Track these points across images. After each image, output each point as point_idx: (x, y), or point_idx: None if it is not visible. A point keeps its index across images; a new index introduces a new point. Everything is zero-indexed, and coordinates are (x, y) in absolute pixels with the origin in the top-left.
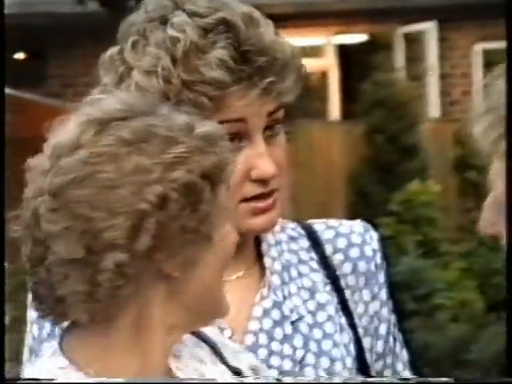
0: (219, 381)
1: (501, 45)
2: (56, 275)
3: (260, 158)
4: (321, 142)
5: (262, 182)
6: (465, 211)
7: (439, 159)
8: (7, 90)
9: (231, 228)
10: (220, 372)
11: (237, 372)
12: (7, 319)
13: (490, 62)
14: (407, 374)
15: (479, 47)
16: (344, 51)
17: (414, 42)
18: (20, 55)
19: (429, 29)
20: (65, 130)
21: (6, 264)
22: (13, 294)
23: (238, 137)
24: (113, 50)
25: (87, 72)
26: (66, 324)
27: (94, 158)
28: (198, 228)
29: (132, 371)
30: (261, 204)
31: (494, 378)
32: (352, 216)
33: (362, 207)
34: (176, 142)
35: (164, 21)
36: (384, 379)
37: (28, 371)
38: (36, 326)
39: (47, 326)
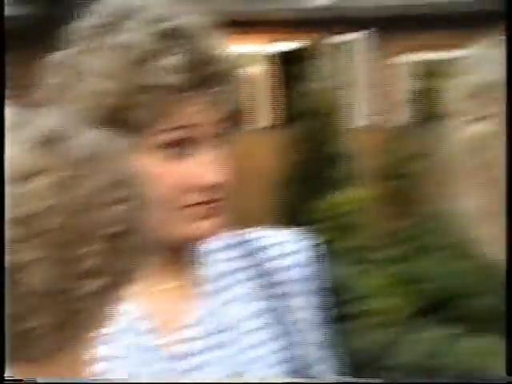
0: (224, 381)
1: (426, 56)
2: (24, 308)
3: (207, 166)
4: (250, 148)
5: (208, 189)
6: (391, 218)
7: (366, 167)
8: None
9: None
10: None
11: None
12: None
13: (415, 72)
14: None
15: (405, 58)
16: (274, 60)
17: (342, 52)
18: None
19: (357, 39)
20: (8, 153)
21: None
22: None
23: (186, 143)
24: (60, 54)
25: (17, 75)
26: None
27: (52, 184)
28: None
29: None
30: (203, 210)
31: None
32: (278, 223)
33: (288, 214)
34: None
35: (117, 26)
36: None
37: None
38: None
39: None
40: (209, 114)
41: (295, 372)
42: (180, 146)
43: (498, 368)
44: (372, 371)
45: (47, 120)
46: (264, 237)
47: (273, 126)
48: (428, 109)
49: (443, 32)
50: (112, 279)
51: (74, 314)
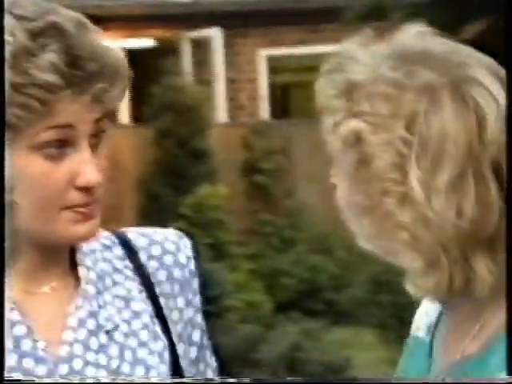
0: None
1: (284, 51)
2: None
3: (85, 166)
4: (110, 145)
5: (86, 190)
6: (252, 214)
7: (227, 163)
8: None
9: None
10: None
11: None
12: None
13: (273, 67)
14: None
15: (263, 53)
16: (131, 55)
17: (200, 48)
18: None
19: (214, 35)
20: None
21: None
22: None
23: (64, 143)
24: None
25: None
26: None
27: None
28: None
29: None
30: (83, 212)
31: (282, 376)
32: (143, 220)
33: (152, 211)
34: None
35: None
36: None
37: None
38: None
39: None
40: (87, 112)
41: (176, 372)
42: (58, 146)
43: (362, 358)
44: (238, 366)
45: None
46: (142, 236)
47: (134, 123)
48: (287, 104)
49: (303, 27)
50: None
51: None
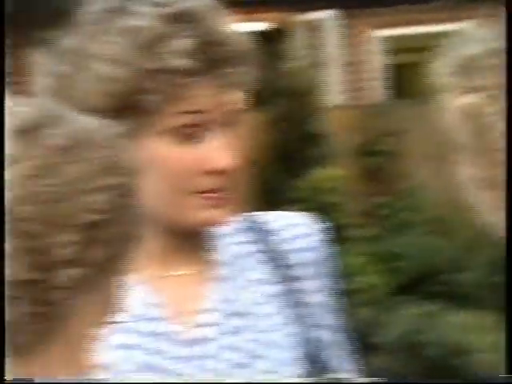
0: (216, 380)
1: (398, 31)
2: (6, 298)
3: (217, 151)
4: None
5: (217, 175)
6: (369, 196)
7: (343, 145)
8: None
9: None
10: None
11: None
12: None
13: (389, 48)
14: (350, 364)
15: (378, 34)
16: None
17: (314, 30)
18: None
19: (328, 17)
20: None
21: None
22: None
23: (196, 128)
24: (67, 40)
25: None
26: None
27: (31, 172)
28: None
29: None
30: (214, 198)
31: (401, 361)
32: (258, 205)
33: (268, 195)
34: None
35: (124, 10)
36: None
37: None
38: None
39: None
40: (219, 98)
41: (309, 356)
42: (190, 131)
43: (480, 343)
44: (358, 350)
45: (31, 108)
46: (275, 220)
47: (249, 108)
48: (403, 85)
49: (415, 7)
50: (93, 269)
51: (53, 305)
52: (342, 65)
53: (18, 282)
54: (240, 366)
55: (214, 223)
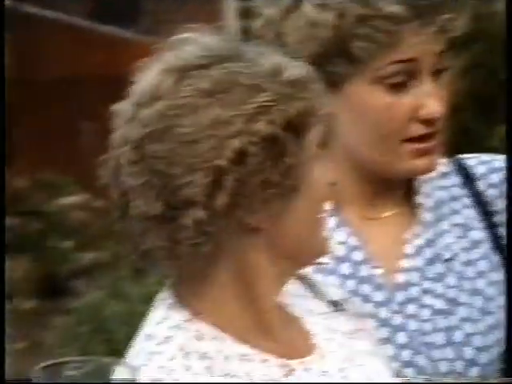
0: (233, 380)
1: None
2: (137, 229)
3: (429, 98)
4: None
5: (429, 122)
6: None
7: None
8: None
9: (323, 172)
10: (319, 306)
11: (334, 303)
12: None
13: None
14: None
15: None
16: None
17: None
18: None
19: None
20: (146, 77)
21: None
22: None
23: (407, 76)
24: None
25: (180, 8)
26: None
27: (171, 111)
28: (281, 182)
29: (246, 322)
30: (425, 145)
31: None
32: (458, 152)
33: (464, 143)
34: (259, 90)
35: None
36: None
37: (152, 327)
38: None
39: None
40: (432, 44)
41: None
42: (401, 78)
43: None
44: None
45: (196, 48)
46: (481, 163)
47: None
48: None
49: None
50: (218, 215)
51: (180, 244)
52: None
53: (148, 215)
54: (441, 312)
55: (424, 171)
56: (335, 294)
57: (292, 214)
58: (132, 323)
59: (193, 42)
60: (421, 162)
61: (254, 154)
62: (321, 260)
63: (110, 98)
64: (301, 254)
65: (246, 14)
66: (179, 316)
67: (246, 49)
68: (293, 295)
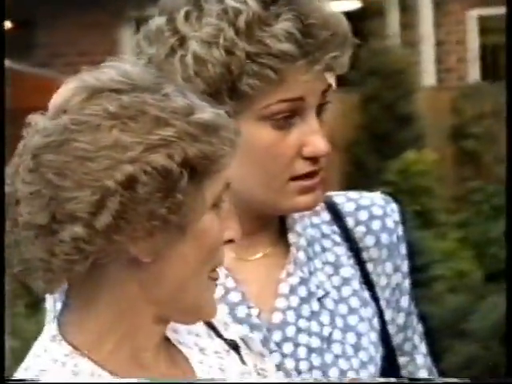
0: (229, 381)
1: (495, 11)
2: (23, 238)
3: (314, 136)
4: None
5: (313, 159)
6: (461, 180)
7: (435, 127)
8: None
9: (217, 225)
10: (217, 345)
11: (232, 344)
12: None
13: (484, 28)
14: (423, 347)
15: (474, 13)
16: None
17: (408, 9)
18: (7, 25)
19: None
20: (61, 92)
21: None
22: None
23: (292, 113)
24: (159, 20)
25: (76, 41)
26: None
27: (74, 125)
28: (167, 216)
29: (123, 358)
30: (309, 182)
31: (493, 350)
32: (348, 185)
33: (357, 177)
34: (165, 124)
35: None
36: (392, 380)
37: (32, 359)
38: (61, 303)
39: None
40: (318, 83)
41: (385, 339)
42: (287, 116)
43: None
44: (448, 337)
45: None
46: (349, 201)
47: (339, 86)
48: (498, 66)
49: None
50: (99, 238)
51: (57, 257)
52: (435, 44)
53: (34, 225)
54: (316, 350)
55: (309, 207)
56: (233, 333)
57: (176, 257)
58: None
59: (113, 67)
60: (306, 199)
61: (145, 183)
62: (206, 320)
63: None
64: (180, 303)
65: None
66: (59, 349)
67: (164, 84)
68: (186, 332)
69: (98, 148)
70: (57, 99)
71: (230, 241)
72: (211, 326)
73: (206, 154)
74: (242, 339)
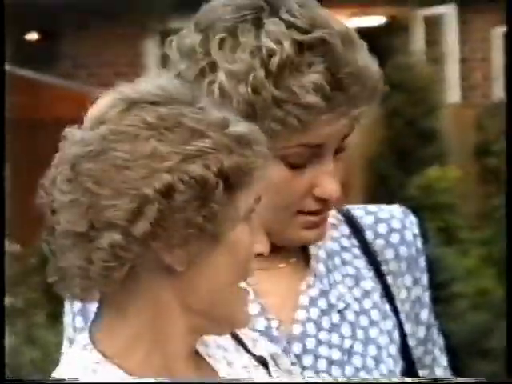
0: (239, 381)
1: None
2: (60, 247)
3: (327, 178)
4: None
5: (323, 200)
6: (485, 197)
7: (459, 144)
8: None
9: (249, 236)
10: (245, 360)
11: (261, 360)
12: (20, 302)
13: (508, 45)
14: (444, 360)
15: (499, 31)
16: (362, 34)
17: (433, 25)
18: (33, 35)
19: (448, 12)
20: (99, 104)
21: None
22: (25, 277)
23: (310, 156)
24: (194, 39)
25: (100, 52)
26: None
27: (112, 135)
28: (202, 225)
29: (153, 367)
30: (315, 218)
31: None
32: (370, 200)
33: (380, 191)
34: (202, 136)
35: (258, 24)
36: (407, 379)
37: (63, 367)
38: (80, 317)
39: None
40: (341, 131)
41: (405, 352)
42: (304, 157)
43: None
44: (469, 355)
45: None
46: (368, 214)
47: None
48: None
49: None
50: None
51: (93, 264)
52: (460, 61)
53: (72, 233)
54: (337, 363)
55: (313, 241)
56: (262, 349)
57: (209, 266)
58: (47, 370)
59: (150, 81)
60: (310, 234)
61: (182, 192)
62: (235, 334)
63: (28, 141)
64: (213, 313)
65: (166, 60)
66: (91, 358)
67: (200, 98)
68: (215, 346)
69: (136, 157)
70: (94, 112)
71: (259, 254)
72: (240, 342)
73: (240, 165)
74: (271, 356)
